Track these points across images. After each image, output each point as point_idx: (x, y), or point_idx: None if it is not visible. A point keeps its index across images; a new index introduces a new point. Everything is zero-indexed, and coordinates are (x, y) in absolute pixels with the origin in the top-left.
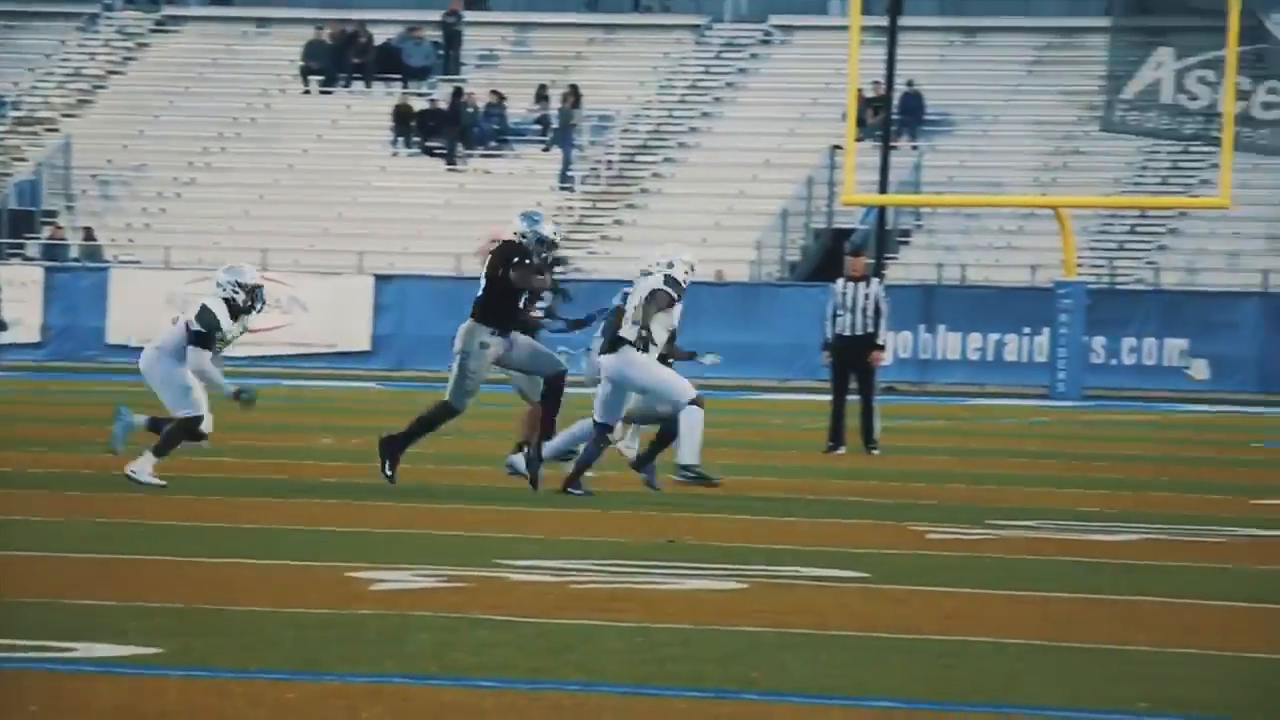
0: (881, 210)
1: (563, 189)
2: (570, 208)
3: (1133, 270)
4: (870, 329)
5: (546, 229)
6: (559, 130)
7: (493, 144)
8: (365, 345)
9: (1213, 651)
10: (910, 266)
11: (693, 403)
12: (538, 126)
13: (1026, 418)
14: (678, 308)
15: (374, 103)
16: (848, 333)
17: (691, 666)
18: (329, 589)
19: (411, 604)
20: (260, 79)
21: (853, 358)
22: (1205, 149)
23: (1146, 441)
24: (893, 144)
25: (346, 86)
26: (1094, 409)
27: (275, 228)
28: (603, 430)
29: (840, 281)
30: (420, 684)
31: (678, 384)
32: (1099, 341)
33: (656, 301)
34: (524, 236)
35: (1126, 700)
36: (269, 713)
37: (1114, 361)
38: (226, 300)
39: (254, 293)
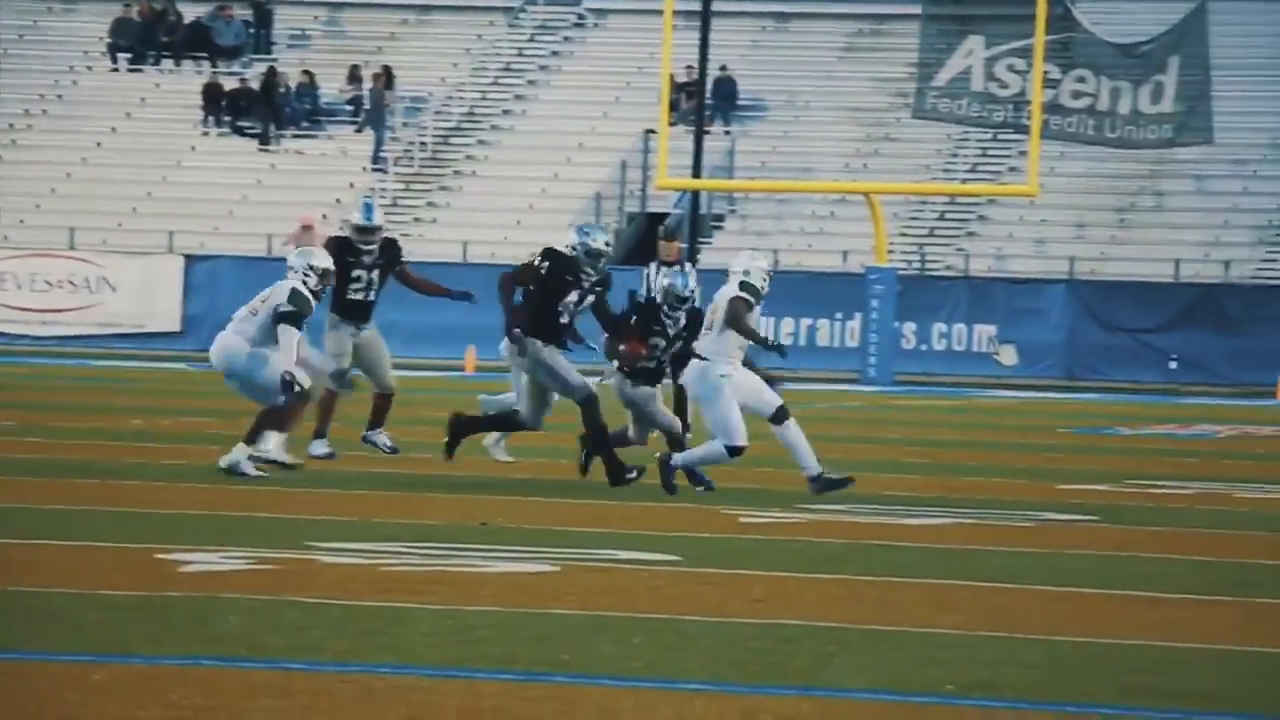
0: (695, 195)
1: (375, 170)
2: (383, 189)
3: (943, 257)
4: None
5: (598, 241)
6: (371, 111)
7: (305, 124)
8: (175, 326)
9: (1020, 635)
10: (724, 251)
11: (734, 450)
12: (350, 107)
13: (838, 402)
14: (756, 311)
15: (184, 81)
16: None
17: (503, 648)
18: (138, 570)
19: (221, 586)
20: (68, 56)
21: None
22: (1014, 137)
23: (956, 427)
24: (706, 129)
25: (156, 65)
26: (905, 394)
27: (83, 206)
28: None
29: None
30: (230, 666)
31: (732, 426)
32: (910, 327)
33: (737, 309)
34: (574, 249)
35: (934, 683)
36: (77, 694)
37: (924, 347)
38: (302, 283)
39: (325, 276)
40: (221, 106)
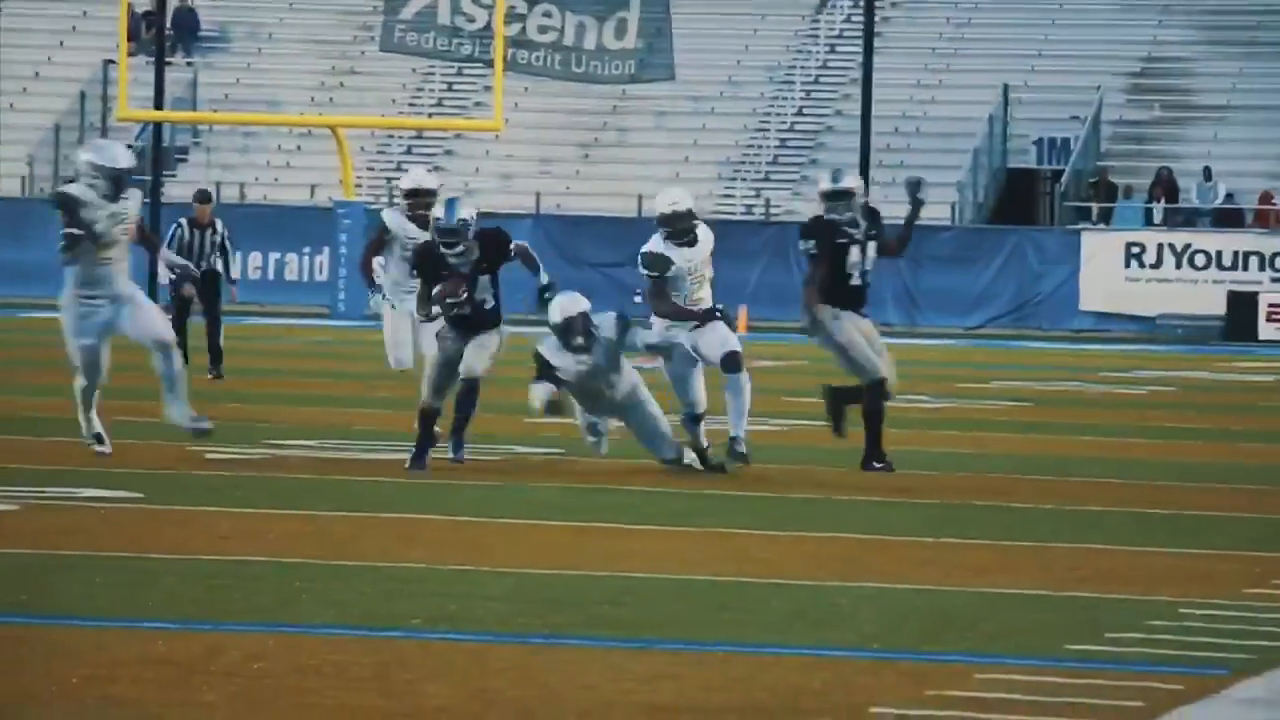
0: (158, 127)
1: None
2: None
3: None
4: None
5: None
6: None
7: None
8: None
9: (487, 568)
10: (188, 184)
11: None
12: None
13: (309, 337)
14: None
15: None
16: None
17: None
18: None
19: None
20: None
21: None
22: (480, 71)
23: None
24: (167, 59)
25: None
26: (375, 328)
27: None
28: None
29: (187, 223)
30: None
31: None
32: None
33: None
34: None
35: (401, 617)
36: None
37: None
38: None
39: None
40: None
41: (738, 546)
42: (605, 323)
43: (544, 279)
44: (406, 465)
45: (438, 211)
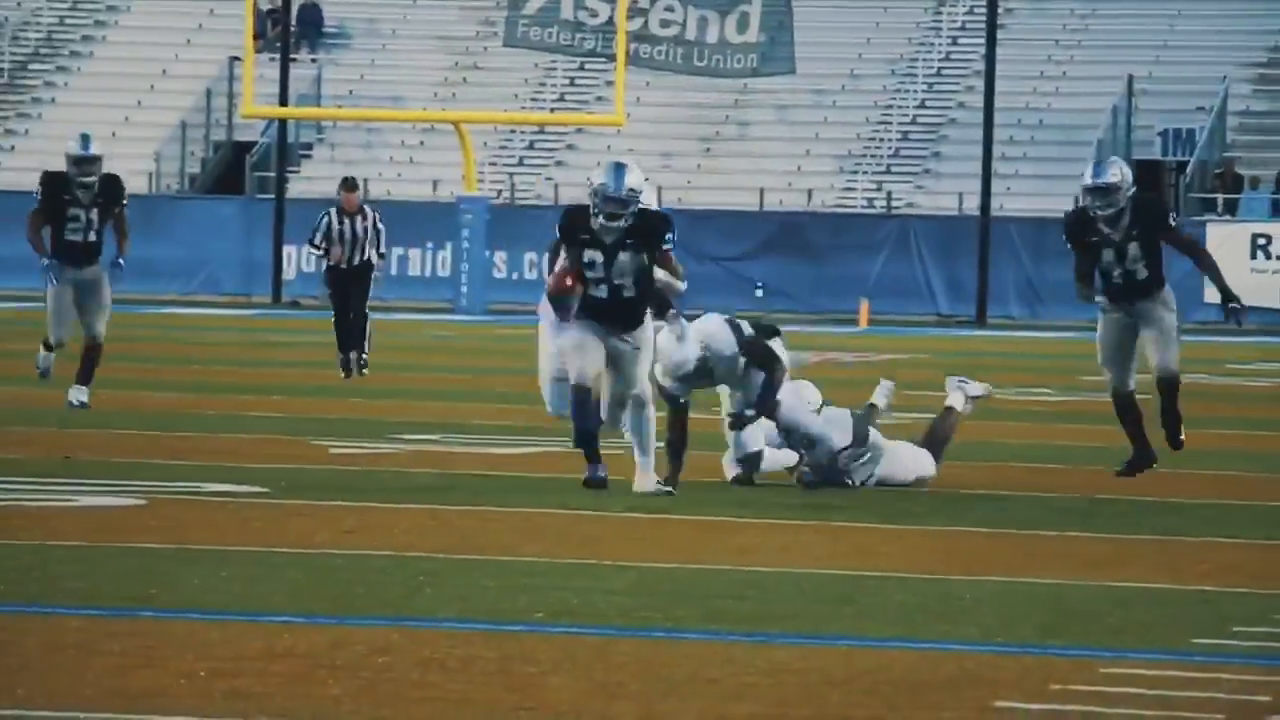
0: (282, 123)
1: None
2: None
3: (532, 186)
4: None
5: None
6: None
7: None
8: None
9: (608, 562)
10: (313, 180)
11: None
12: None
13: (432, 332)
14: None
15: None
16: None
17: (86, 584)
18: None
19: None
20: None
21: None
22: (602, 66)
23: None
24: (292, 56)
25: None
26: (497, 323)
27: None
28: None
29: (334, 213)
30: None
31: None
32: (501, 256)
33: None
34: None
35: (524, 610)
36: None
37: (515, 275)
38: None
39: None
40: None
41: (859, 541)
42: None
43: (679, 327)
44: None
45: (601, 176)
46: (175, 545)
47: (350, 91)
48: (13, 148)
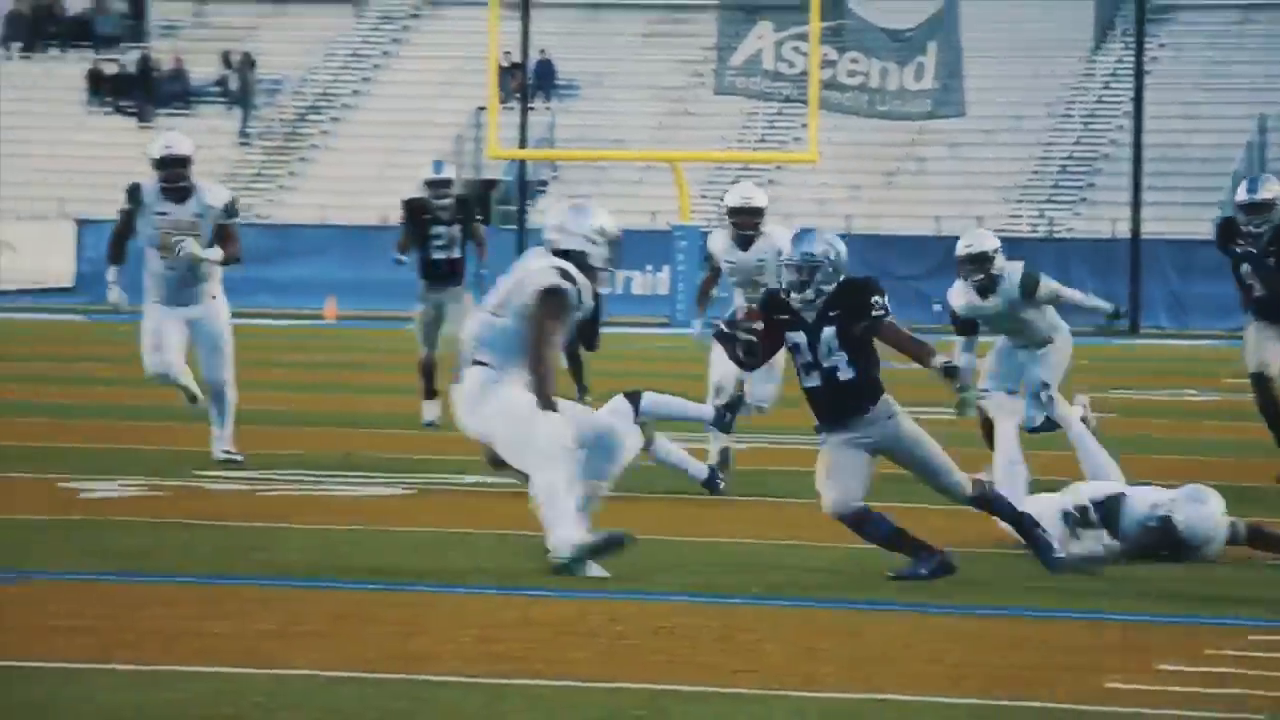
0: (522, 164)
1: (242, 144)
2: (249, 161)
3: None
4: None
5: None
6: (237, 92)
7: (177, 104)
8: (69, 283)
9: (810, 543)
10: (548, 213)
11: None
12: (218, 89)
13: (652, 343)
14: None
15: (70, 67)
16: None
17: (366, 562)
18: (42, 498)
19: (117, 510)
20: None
21: None
22: (798, 110)
23: None
24: (529, 106)
25: (44, 53)
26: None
27: None
28: None
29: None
30: (124, 580)
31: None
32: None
33: None
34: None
35: (740, 586)
36: (4, 605)
37: (725, 294)
38: None
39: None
40: (103, 89)
41: None
42: None
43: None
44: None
45: (785, 243)
46: (440, 529)
47: (580, 135)
48: (295, 188)
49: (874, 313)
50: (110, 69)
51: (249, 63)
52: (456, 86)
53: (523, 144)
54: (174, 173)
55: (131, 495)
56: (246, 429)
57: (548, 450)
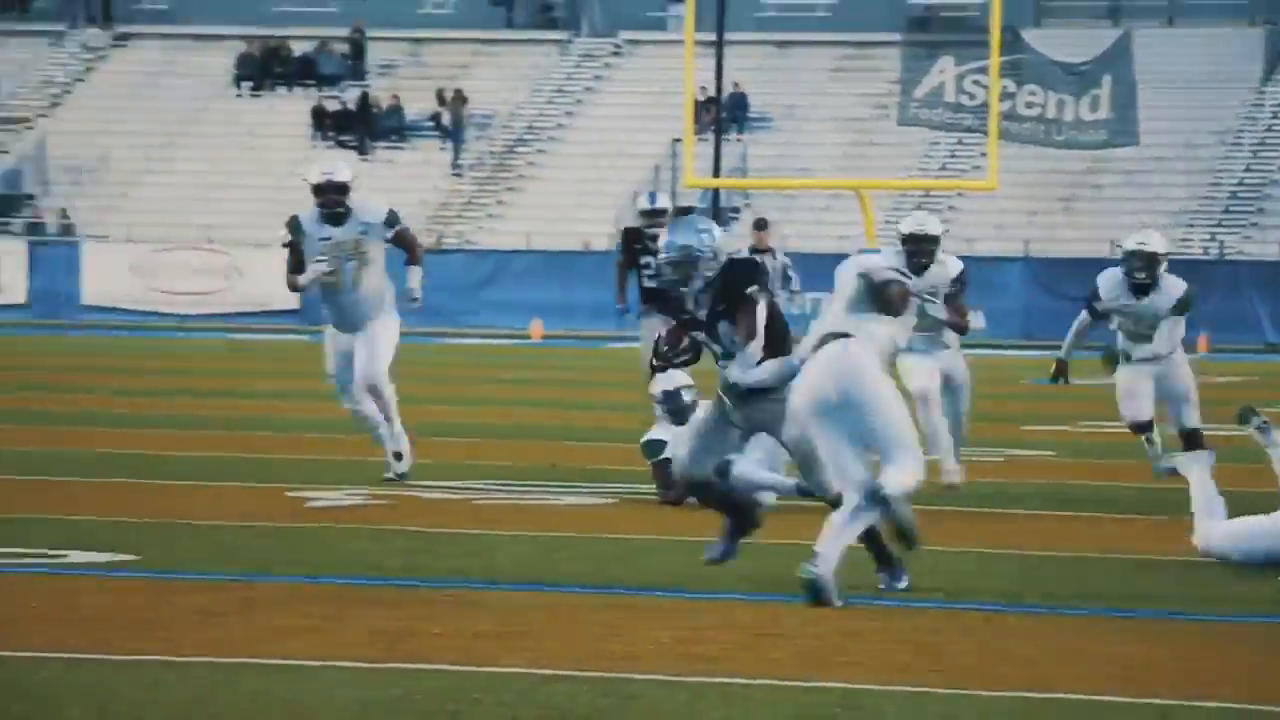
0: (716, 191)
1: (454, 175)
2: (461, 191)
3: None
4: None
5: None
6: (450, 127)
7: (394, 139)
8: (295, 305)
9: (994, 550)
10: (742, 238)
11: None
12: (432, 123)
13: None
14: None
15: (295, 104)
16: None
17: (575, 566)
18: (273, 506)
19: (344, 518)
20: (201, 85)
21: None
22: (977, 140)
23: None
24: (724, 137)
25: (272, 91)
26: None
27: (221, 208)
28: None
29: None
30: (352, 583)
31: None
32: None
33: None
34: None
35: (928, 591)
36: (238, 606)
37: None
38: None
39: None
40: (326, 125)
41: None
42: None
43: None
44: None
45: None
46: (634, 536)
47: (771, 165)
48: (504, 216)
49: (747, 291)
50: (332, 106)
51: (461, 99)
52: (654, 119)
53: (716, 173)
54: (330, 199)
55: (357, 504)
56: (457, 442)
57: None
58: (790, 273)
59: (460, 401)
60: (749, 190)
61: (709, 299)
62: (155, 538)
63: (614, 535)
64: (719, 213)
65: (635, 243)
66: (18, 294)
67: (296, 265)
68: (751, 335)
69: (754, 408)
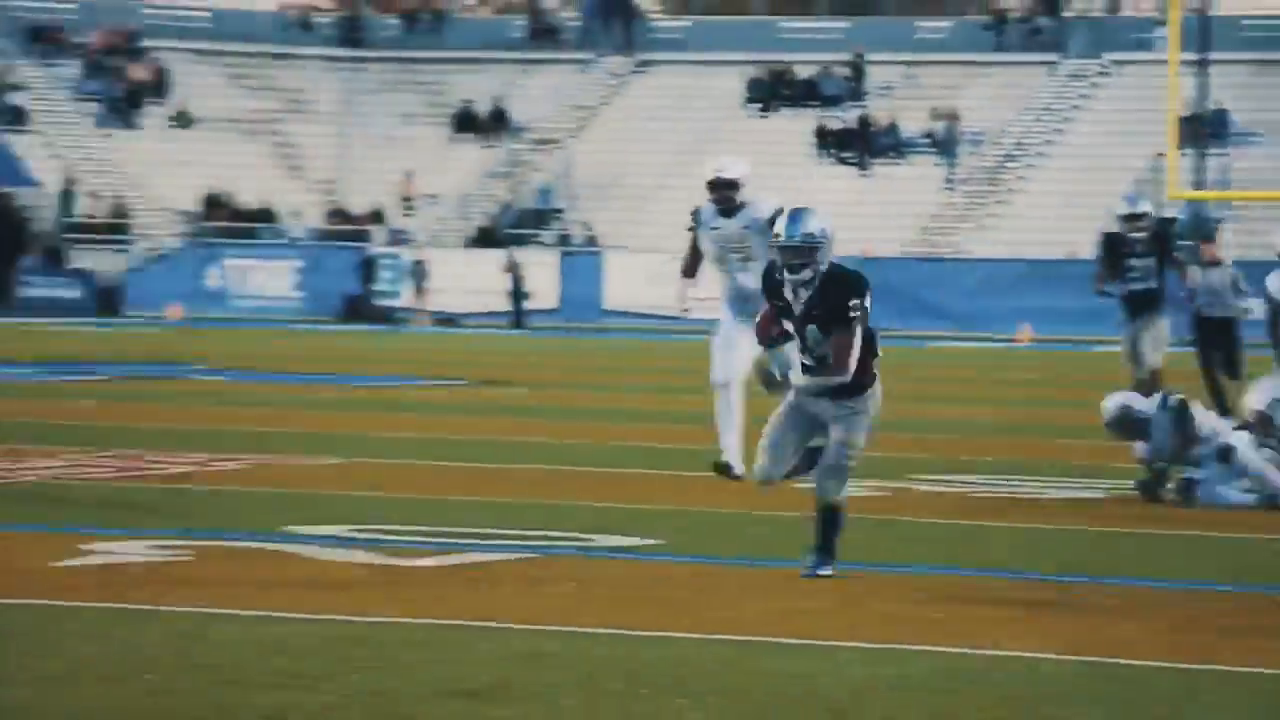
0: (1199, 204)
1: (947, 189)
2: (954, 204)
3: None
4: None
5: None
6: (944, 144)
7: (891, 154)
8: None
9: (1096, 528)
10: (1224, 247)
11: None
12: (927, 140)
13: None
14: None
15: (800, 124)
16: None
17: (1057, 555)
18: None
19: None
20: (714, 107)
21: (1214, 338)
22: None
23: None
24: (1207, 151)
25: (778, 112)
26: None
27: None
28: None
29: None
30: (857, 569)
31: None
32: None
33: None
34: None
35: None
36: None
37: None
38: None
39: None
40: (828, 142)
41: None
42: None
43: None
44: None
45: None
46: (1120, 530)
47: (1254, 179)
48: (995, 227)
49: (851, 314)
50: (834, 125)
51: (954, 117)
52: (1137, 135)
53: (1198, 186)
54: (723, 194)
55: (861, 494)
56: (937, 438)
57: None
58: (1241, 285)
59: (941, 401)
60: (1233, 202)
61: (807, 299)
62: (680, 524)
63: (1099, 528)
64: (1202, 223)
65: (1119, 247)
66: (550, 299)
67: (693, 253)
68: (843, 360)
69: (827, 407)
